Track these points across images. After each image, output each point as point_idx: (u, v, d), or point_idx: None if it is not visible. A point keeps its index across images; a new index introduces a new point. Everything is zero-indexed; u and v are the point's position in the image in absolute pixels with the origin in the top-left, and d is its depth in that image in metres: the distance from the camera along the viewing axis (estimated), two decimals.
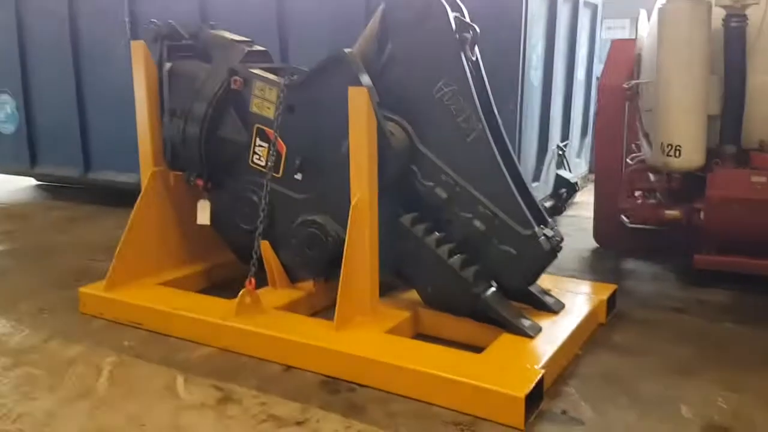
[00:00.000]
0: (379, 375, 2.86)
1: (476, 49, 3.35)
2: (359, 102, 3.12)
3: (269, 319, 3.30)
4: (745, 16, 4.01)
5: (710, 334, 3.55)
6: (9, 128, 7.15)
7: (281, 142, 3.52)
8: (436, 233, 3.29)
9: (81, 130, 6.62)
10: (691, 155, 4.14)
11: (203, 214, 3.92)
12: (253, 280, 3.37)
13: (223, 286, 4.18)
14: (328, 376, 2.99)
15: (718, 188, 4.14)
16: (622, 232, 5.04)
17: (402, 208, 3.36)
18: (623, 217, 4.99)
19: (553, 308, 3.39)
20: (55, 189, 7.62)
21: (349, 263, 3.19)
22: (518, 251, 3.16)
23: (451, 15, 3.20)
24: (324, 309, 3.78)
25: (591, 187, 6.80)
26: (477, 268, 3.21)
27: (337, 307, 3.16)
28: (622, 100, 5.00)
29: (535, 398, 2.62)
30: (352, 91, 3.13)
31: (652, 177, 4.74)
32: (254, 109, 3.62)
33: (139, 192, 3.90)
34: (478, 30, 3.29)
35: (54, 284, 4.29)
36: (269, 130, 3.59)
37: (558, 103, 5.87)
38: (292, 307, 3.56)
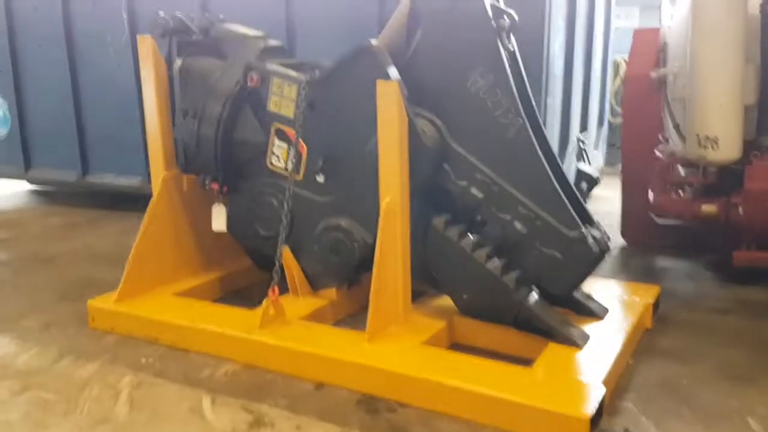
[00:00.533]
0: (421, 393, 2.64)
1: (512, 38, 3.12)
2: (389, 96, 2.89)
3: (296, 331, 3.08)
4: None
5: (761, 336, 3.36)
6: (2, 131, 6.87)
7: (302, 142, 3.29)
8: (471, 236, 3.07)
9: (78, 131, 6.33)
10: (729, 148, 3.93)
11: (219, 220, 3.69)
12: (276, 290, 3.14)
13: (239, 294, 3.98)
14: (365, 394, 2.77)
15: (757, 181, 3.93)
16: (651, 229, 4.85)
17: (433, 210, 3.14)
18: (651, 212, 4.82)
19: (598, 314, 3.18)
20: (50, 193, 7.36)
21: (381, 270, 2.97)
22: (564, 255, 2.94)
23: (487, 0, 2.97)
24: (347, 317, 3.59)
25: (606, 180, 6.63)
26: (518, 273, 3.00)
27: (369, 318, 2.94)
28: (648, 91, 4.80)
29: (596, 417, 2.41)
30: (381, 85, 2.91)
31: (681, 170, 4.55)
32: (272, 107, 3.38)
33: (143, 196, 3.68)
34: (516, 17, 3.06)
35: (58, 297, 4.05)
36: (289, 130, 3.36)
37: (578, 93, 5.67)
38: (316, 317, 3.35)
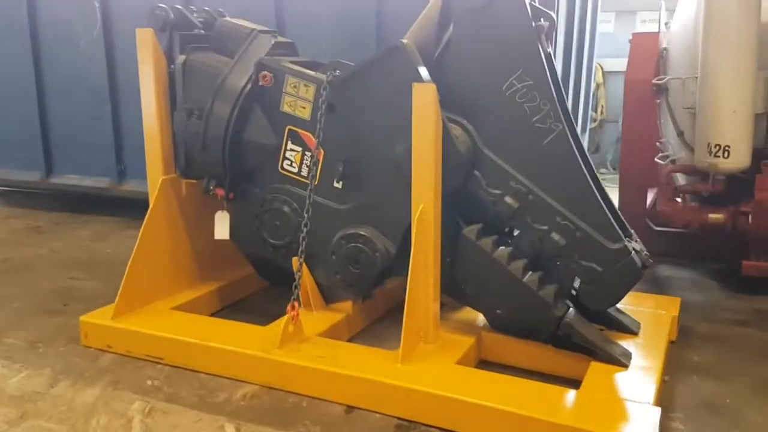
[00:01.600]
0: (466, 417, 2.46)
1: (549, 40, 2.98)
2: (425, 100, 2.71)
3: (319, 350, 2.86)
4: None
5: None
6: None
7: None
8: (504, 247, 2.91)
9: (41, 129, 5.92)
10: (740, 156, 3.88)
11: (222, 228, 3.44)
12: (297, 305, 2.92)
13: (237, 307, 3.74)
14: (400, 419, 2.58)
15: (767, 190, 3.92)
16: (649, 236, 4.79)
17: (460, 219, 2.98)
18: (650, 220, 4.77)
19: (632, 329, 3.07)
20: (9, 194, 6.89)
21: (414, 284, 2.78)
22: (605, 268, 2.81)
23: None
24: (360, 332, 3.40)
25: None
26: (556, 288, 2.86)
27: (403, 337, 2.74)
28: (649, 97, 4.75)
29: None
30: (418, 88, 2.72)
31: (681, 179, 4.51)
32: (286, 108, 3.16)
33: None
34: (555, 18, 2.92)
35: (39, 310, 3.72)
36: (304, 133, 3.15)
37: (570, 97, 5.59)
38: (332, 333, 3.13)
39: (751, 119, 3.88)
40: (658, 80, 4.62)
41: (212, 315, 3.57)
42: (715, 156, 3.92)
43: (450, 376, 2.67)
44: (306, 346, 2.90)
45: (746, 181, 4.08)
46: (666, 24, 5.23)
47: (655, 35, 4.95)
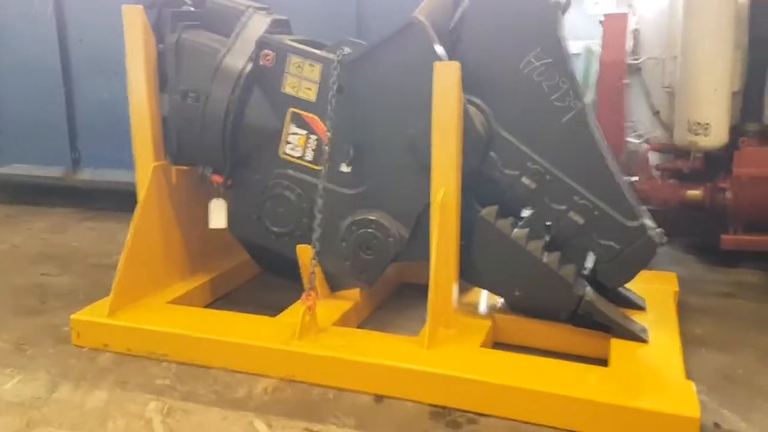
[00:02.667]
0: (504, 401, 2.43)
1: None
2: (448, 79, 2.65)
3: (339, 339, 2.77)
4: None
5: None
6: None
7: (325, 128, 2.96)
8: (521, 229, 2.89)
9: None
10: (719, 133, 4.00)
11: (219, 216, 3.28)
12: (313, 295, 2.81)
13: (230, 299, 3.60)
14: (434, 405, 2.53)
15: (746, 166, 4.03)
16: None
17: (475, 201, 2.93)
18: None
19: (640, 304, 3.11)
20: None
21: (438, 269, 2.73)
22: (622, 246, 2.82)
23: None
24: (366, 319, 3.32)
25: None
26: (576, 267, 2.86)
27: (429, 321, 2.69)
28: (622, 76, 4.82)
29: None
30: (440, 67, 2.65)
31: (654, 157, 4.61)
32: (288, 89, 3.02)
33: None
34: None
35: (16, 309, 3.47)
36: (308, 115, 3.03)
37: None
38: (344, 321, 3.05)
39: (730, 97, 4.00)
40: (633, 60, 4.69)
41: (206, 307, 3.43)
42: (696, 134, 4.02)
43: (480, 360, 2.63)
44: (325, 336, 2.80)
45: (721, 158, 4.21)
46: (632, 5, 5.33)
47: (625, 16, 5.02)
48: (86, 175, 5.33)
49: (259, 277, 3.83)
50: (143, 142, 3.16)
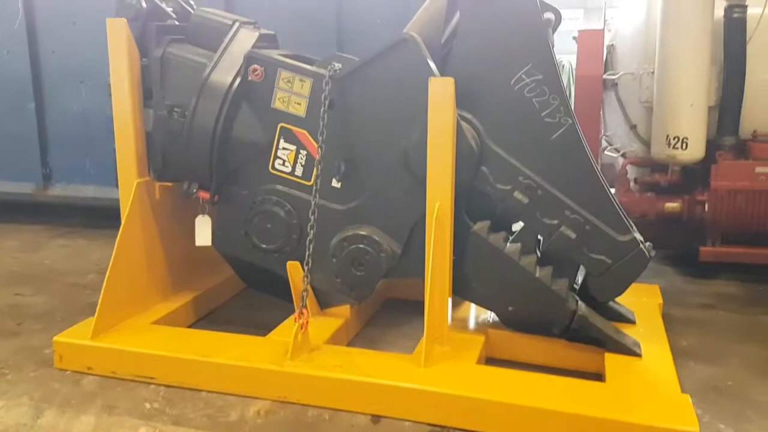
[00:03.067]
0: (504, 419, 2.41)
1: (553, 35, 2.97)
2: (443, 94, 2.64)
3: (333, 358, 2.72)
4: (746, 6, 4.02)
5: (758, 329, 3.49)
6: None
7: (315, 144, 2.93)
8: (513, 243, 2.89)
9: None
10: (697, 147, 4.09)
11: (204, 233, 3.22)
12: (306, 313, 2.76)
13: (214, 318, 3.54)
14: (433, 425, 2.50)
15: (723, 179, 4.12)
16: None
17: (468, 217, 2.92)
18: None
19: (630, 318, 3.13)
20: None
21: (434, 284, 2.71)
22: (614, 260, 2.84)
23: None
24: (355, 336, 3.29)
25: None
26: (567, 281, 2.87)
27: (425, 339, 2.67)
28: (599, 91, 4.89)
29: None
30: (435, 82, 2.65)
31: (630, 170, 4.67)
32: (278, 104, 2.98)
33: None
34: (560, 13, 2.91)
35: None
36: (299, 130, 2.99)
37: None
38: (335, 339, 3.01)
39: (706, 112, 4.08)
40: (609, 75, 4.76)
41: (190, 327, 3.36)
42: (674, 148, 4.10)
43: (477, 377, 2.62)
44: (318, 355, 2.75)
45: (698, 172, 4.29)
46: (607, 22, 5.43)
47: (600, 32, 5.11)
48: (57, 191, 5.19)
49: (241, 295, 3.78)
50: (127, 157, 3.08)
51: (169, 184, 3.22)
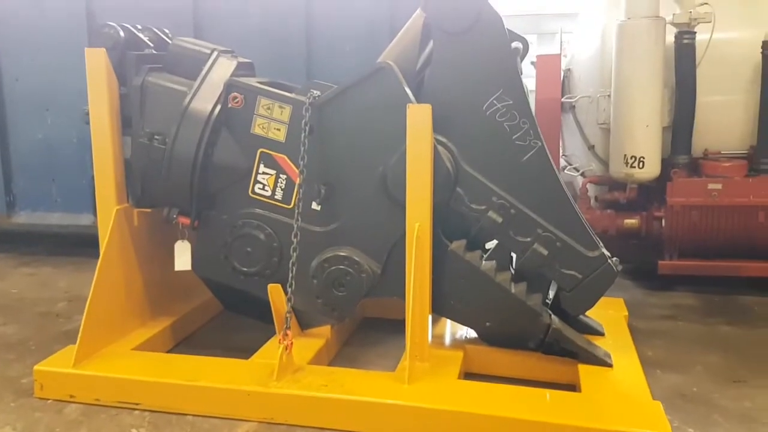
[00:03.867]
0: (489, 431, 2.51)
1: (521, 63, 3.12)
2: (420, 120, 2.76)
3: (318, 378, 2.78)
4: (695, 33, 4.26)
5: (718, 338, 3.67)
6: None
7: (294, 168, 3.01)
8: (489, 261, 3.01)
9: None
10: (653, 166, 4.30)
11: (183, 258, 3.25)
12: (290, 334, 2.82)
13: (191, 342, 3.55)
14: None
15: (678, 196, 4.33)
16: None
17: (444, 236, 3.03)
18: None
19: (599, 330, 3.27)
20: None
21: (416, 302, 2.81)
22: (584, 275, 2.98)
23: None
24: (335, 356, 3.35)
25: None
26: (541, 296, 2.99)
27: (408, 355, 2.76)
28: (557, 113, 5.08)
29: None
30: (413, 109, 2.76)
31: (590, 189, 4.86)
32: (257, 130, 3.05)
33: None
34: (528, 42, 3.07)
35: None
36: (278, 155, 3.06)
37: None
38: (317, 359, 3.06)
39: (661, 132, 4.30)
40: (567, 99, 4.96)
41: (170, 351, 3.37)
42: (631, 167, 4.30)
43: (459, 392, 2.71)
44: (303, 375, 2.81)
45: (654, 189, 4.50)
46: (563, 47, 5.65)
47: (557, 57, 5.32)
48: (21, 218, 5.12)
49: (218, 319, 3.80)
50: (106, 185, 3.11)
51: (148, 210, 3.25)
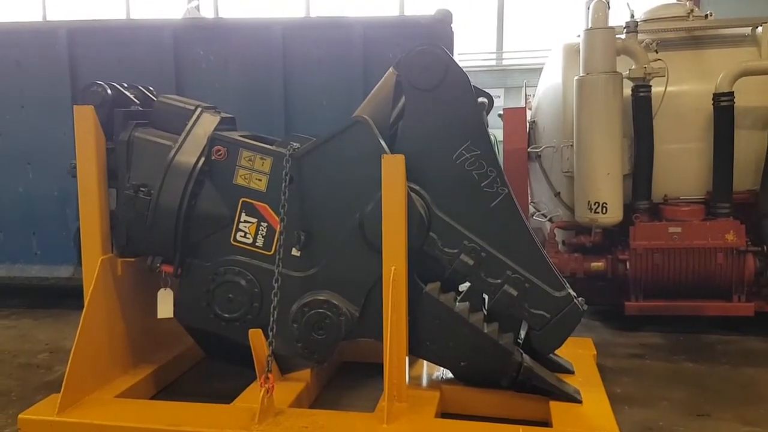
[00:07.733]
0: None
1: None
2: (395, 169, 2.94)
3: (298, 420, 2.86)
4: (650, 86, 4.54)
5: (683, 374, 3.83)
6: None
7: (275, 216, 3.15)
8: (462, 302, 3.15)
9: None
10: (616, 211, 4.53)
11: (166, 306, 3.34)
12: (272, 378, 2.91)
13: (173, 390, 3.60)
14: None
15: (641, 239, 4.55)
16: None
17: (419, 279, 3.17)
18: None
19: (569, 368, 3.40)
20: None
21: (392, 344, 2.92)
22: (552, 314, 3.13)
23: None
24: (316, 399, 3.43)
25: None
26: (513, 336, 3.13)
27: (387, 396, 2.86)
28: (524, 162, 5.31)
29: None
30: (388, 159, 2.94)
31: (558, 233, 5.06)
32: (240, 181, 3.20)
33: None
34: (492, 97, 3.28)
35: None
36: (259, 204, 3.20)
37: None
38: (298, 402, 3.15)
39: (621, 179, 4.54)
40: (534, 149, 5.20)
41: (151, 399, 3.42)
42: (595, 212, 4.52)
43: (438, 430, 2.82)
44: (284, 418, 2.89)
45: (618, 233, 4.72)
46: (527, 100, 5.93)
47: (523, 110, 5.59)
48: (1, 271, 5.16)
49: (200, 366, 3.86)
50: (92, 235, 3.21)
51: (132, 259, 3.35)
